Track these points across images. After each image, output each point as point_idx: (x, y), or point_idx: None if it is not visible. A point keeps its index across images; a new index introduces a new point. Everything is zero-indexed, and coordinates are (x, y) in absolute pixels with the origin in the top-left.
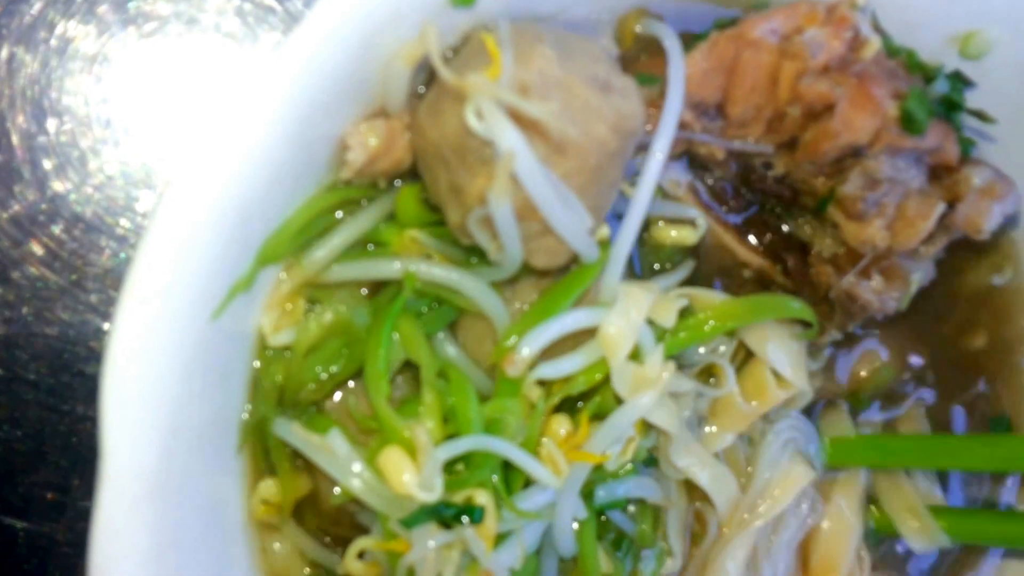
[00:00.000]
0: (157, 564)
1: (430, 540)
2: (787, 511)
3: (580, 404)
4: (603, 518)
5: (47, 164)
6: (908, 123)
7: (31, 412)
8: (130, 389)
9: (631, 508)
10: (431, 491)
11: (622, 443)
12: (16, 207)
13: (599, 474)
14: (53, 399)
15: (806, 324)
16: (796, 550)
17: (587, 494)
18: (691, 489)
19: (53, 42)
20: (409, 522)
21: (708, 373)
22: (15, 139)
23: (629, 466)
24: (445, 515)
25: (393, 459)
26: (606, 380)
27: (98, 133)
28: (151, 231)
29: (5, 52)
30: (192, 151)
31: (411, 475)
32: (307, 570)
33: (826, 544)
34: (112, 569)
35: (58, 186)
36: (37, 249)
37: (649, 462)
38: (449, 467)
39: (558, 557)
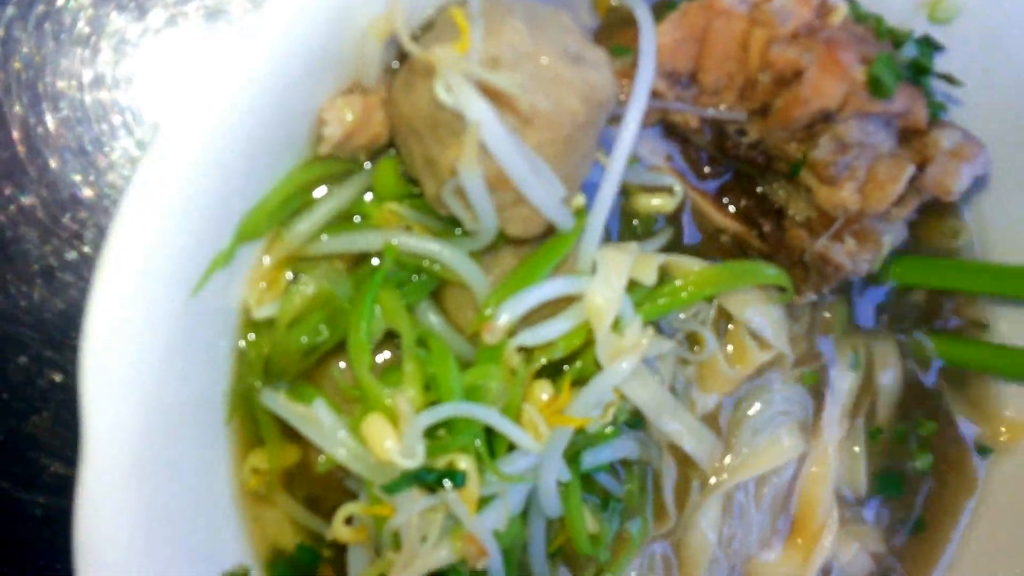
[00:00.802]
0: (145, 537)
1: (414, 504)
2: (769, 473)
3: (566, 368)
4: (590, 479)
5: (48, 149)
6: (876, 87)
7: (43, 389)
8: (109, 366)
9: (619, 471)
10: (412, 457)
11: (602, 407)
12: (21, 195)
13: (582, 436)
14: (63, 376)
15: (783, 289)
16: (780, 501)
17: (572, 456)
18: (678, 451)
19: (48, 25)
20: (391, 488)
21: (694, 340)
22: (15, 124)
23: (611, 429)
24: (427, 480)
25: (375, 427)
26: (587, 345)
27: (99, 117)
28: (124, 208)
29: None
30: (165, 126)
31: (393, 442)
32: (298, 539)
33: (807, 487)
34: (97, 544)
35: (60, 171)
36: (40, 232)
37: (633, 423)
38: (432, 433)
39: (545, 519)
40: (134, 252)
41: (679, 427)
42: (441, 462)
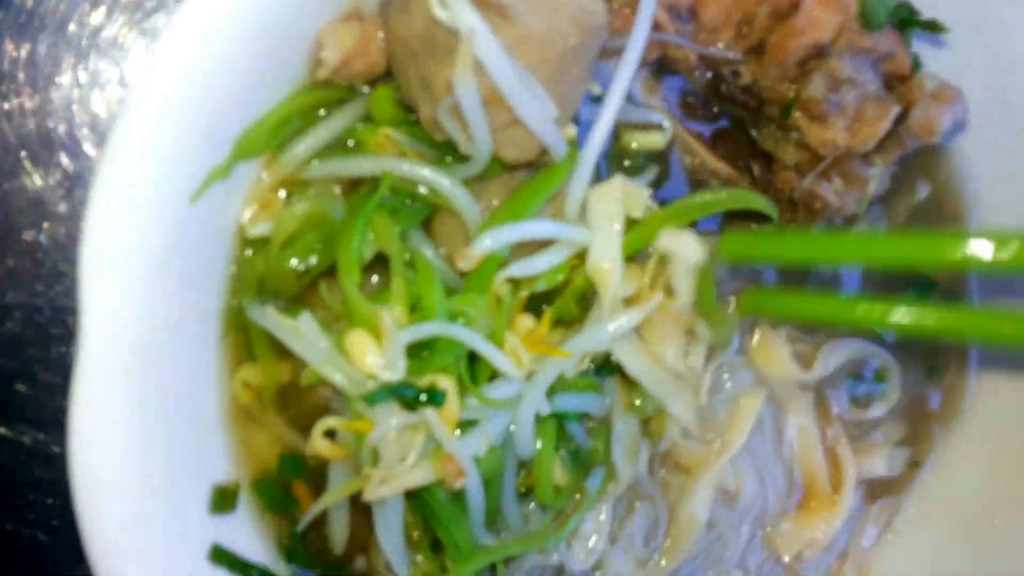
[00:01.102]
0: (139, 443)
1: (393, 420)
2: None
3: (544, 307)
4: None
5: (63, 126)
6: (868, 18)
7: (40, 325)
8: (108, 264)
9: (589, 425)
10: (393, 371)
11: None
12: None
13: (560, 380)
14: (65, 315)
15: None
16: (787, 463)
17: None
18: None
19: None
20: (371, 399)
21: None
22: (25, 103)
23: (589, 380)
24: (407, 396)
25: (359, 340)
26: (567, 284)
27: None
28: (123, 116)
29: None
30: (163, 38)
31: (375, 356)
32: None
33: (801, 453)
34: (93, 438)
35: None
36: (37, 181)
37: (603, 369)
38: (416, 354)
39: (516, 459)
40: (133, 158)
41: (678, 402)
42: (423, 381)
